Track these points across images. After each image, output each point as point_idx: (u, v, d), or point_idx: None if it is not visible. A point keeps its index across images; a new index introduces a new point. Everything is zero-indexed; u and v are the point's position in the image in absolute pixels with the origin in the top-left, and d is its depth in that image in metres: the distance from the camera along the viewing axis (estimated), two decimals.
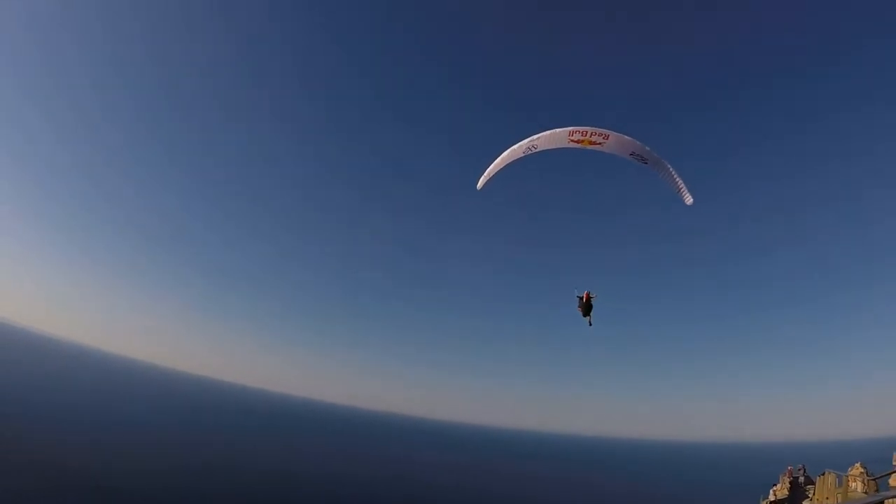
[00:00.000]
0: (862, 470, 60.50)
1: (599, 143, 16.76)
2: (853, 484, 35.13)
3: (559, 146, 17.26)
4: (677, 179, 17.15)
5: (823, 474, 26.73)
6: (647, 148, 16.78)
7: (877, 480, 32.81)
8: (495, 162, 18.50)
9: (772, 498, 39.36)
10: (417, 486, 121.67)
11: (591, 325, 19.63)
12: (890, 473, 33.85)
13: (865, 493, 25.49)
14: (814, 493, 32.24)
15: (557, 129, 17.06)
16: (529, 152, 17.85)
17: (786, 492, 39.28)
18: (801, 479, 41.30)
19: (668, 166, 17.07)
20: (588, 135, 16.71)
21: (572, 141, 16.92)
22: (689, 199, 17.48)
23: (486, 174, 19.00)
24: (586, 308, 19.61)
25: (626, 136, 16.60)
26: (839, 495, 22.94)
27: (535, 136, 17.40)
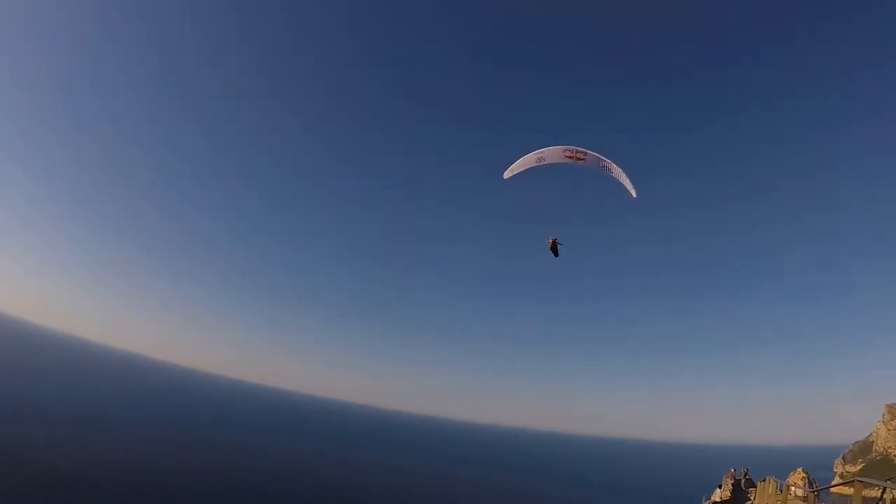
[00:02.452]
0: (804, 475, 61.64)
1: (582, 159, 20.30)
2: (793, 489, 35.15)
3: (558, 161, 20.54)
4: (627, 182, 20.69)
5: (765, 480, 26.35)
6: (608, 159, 20.52)
7: (817, 492, 32.57)
8: (519, 161, 21.19)
9: (714, 499, 39.31)
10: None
11: (556, 256, 23.78)
12: (841, 483, 33.69)
13: (804, 500, 25.52)
14: (754, 497, 31.96)
15: (555, 146, 20.49)
16: (539, 163, 20.87)
17: (728, 494, 39.35)
18: (743, 481, 41.53)
19: (622, 171, 20.48)
20: (574, 152, 20.32)
21: (566, 157, 20.42)
22: (634, 194, 20.82)
23: (511, 169, 21.70)
24: (554, 251, 23.68)
25: (595, 153, 20.44)
26: (778, 501, 22.41)
27: (543, 149, 20.61)
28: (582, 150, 20.17)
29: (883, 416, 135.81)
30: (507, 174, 21.78)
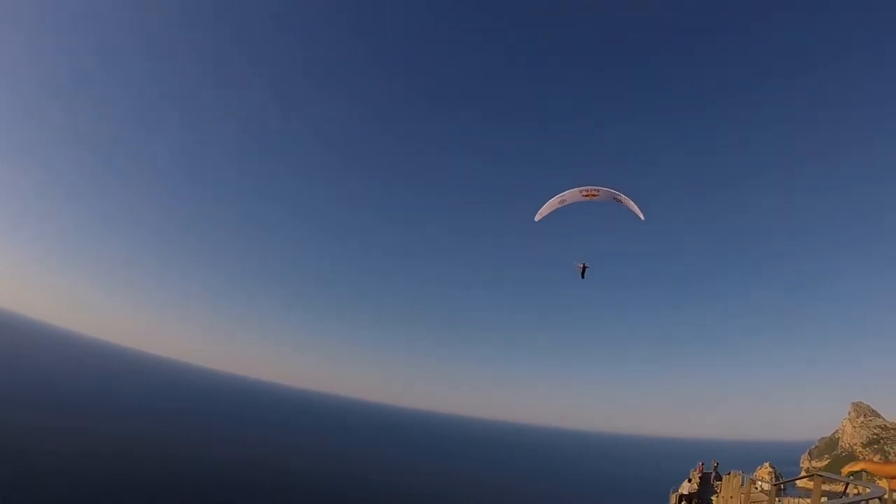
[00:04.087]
0: (770, 470, 62.48)
1: (596, 195, 23.51)
2: (758, 483, 35.50)
3: (577, 200, 23.78)
4: (635, 207, 23.61)
5: (729, 473, 26.47)
6: (615, 191, 23.63)
7: (783, 485, 32.95)
8: (545, 205, 24.51)
9: (682, 491, 39.52)
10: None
11: (583, 278, 26.91)
12: (799, 477, 34.15)
13: (765, 492, 25.65)
14: (720, 490, 32.23)
15: (574, 188, 23.71)
16: (562, 204, 24.22)
17: (695, 487, 39.59)
18: (713, 474, 41.82)
19: (629, 200, 23.47)
20: (590, 191, 23.49)
21: (583, 196, 23.60)
22: (642, 217, 23.66)
23: (540, 212, 24.99)
24: (582, 274, 26.65)
25: (606, 188, 23.71)
26: (742, 496, 22.40)
27: (564, 192, 23.85)
28: (596, 188, 23.48)
29: (849, 413, 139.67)
30: (537, 217, 25.14)
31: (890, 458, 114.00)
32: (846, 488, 18.19)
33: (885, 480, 9.77)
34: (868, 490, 8.67)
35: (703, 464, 43.09)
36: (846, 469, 5.50)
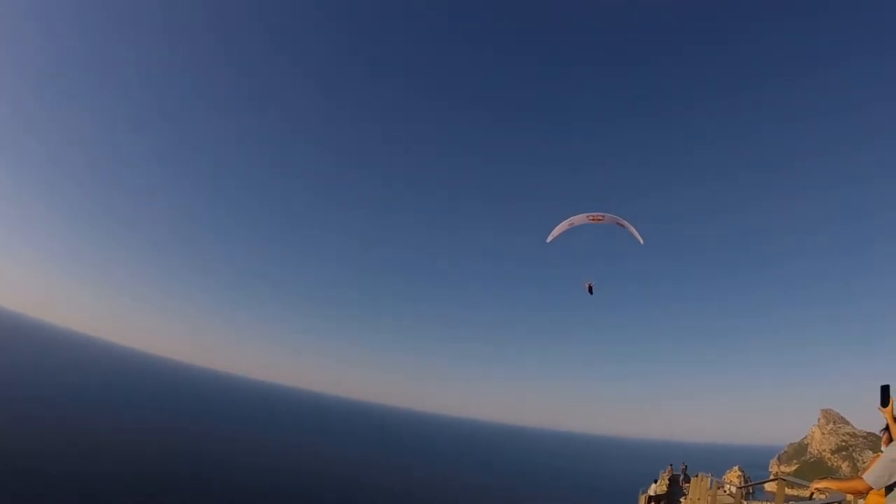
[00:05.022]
0: (739, 473, 63.07)
1: (601, 219, 25.38)
2: (727, 486, 35.52)
3: (584, 223, 25.59)
4: (635, 232, 25.74)
5: (697, 475, 26.25)
6: (616, 215, 25.89)
7: (751, 487, 32.83)
8: (555, 228, 26.36)
9: (650, 493, 39.49)
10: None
11: (591, 294, 27.78)
12: (766, 481, 34.21)
13: (731, 495, 25.70)
14: (689, 492, 32.13)
15: (581, 214, 25.57)
16: (570, 226, 25.92)
17: (664, 488, 39.65)
18: (682, 476, 41.91)
19: (630, 225, 25.65)
20: (595, 216, 25.39)
21: (589, 219, 25.39)
22: (641, 241, 25.84)
23: (551, 235, 26.60)
24: (590, 291, 27.66)
25: (611, 214, 25.74)
26: (709, 497, 22.15)
27: (572, 217, 25.69)
28: (601, 213, 25.65)
29: (819, 420, 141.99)
30: (549, 239, 26.90)
31: (858, 464, 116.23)
32: (812, 496, 18.03)
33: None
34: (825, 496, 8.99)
35: (671, 466, 43.26)
36: (813, 486, 5.98)
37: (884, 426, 5.74)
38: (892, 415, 5.52)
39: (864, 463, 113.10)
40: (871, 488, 4.84)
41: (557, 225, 26.80)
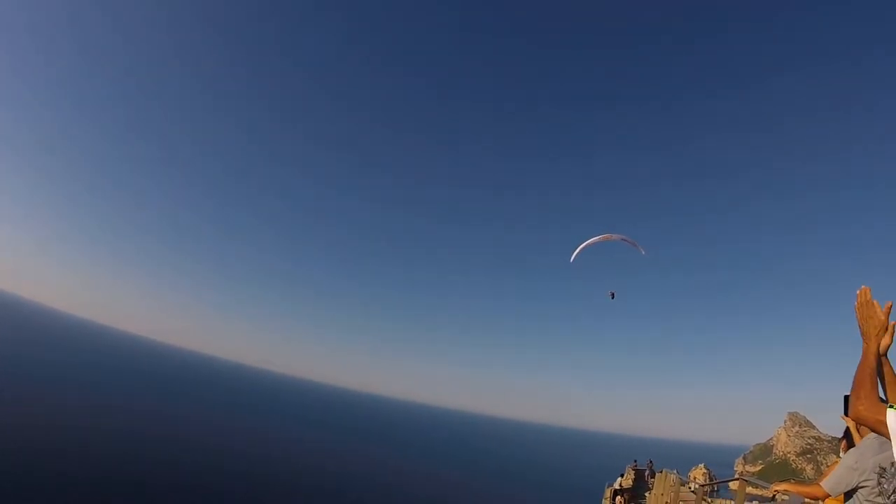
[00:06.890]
0: (705, 471, 63.68)
1: (611, 237, 29.82)
2: (691, 484, 35.66)
3: (597, 242, 29.68)
4: (638, 245, 30.64)
5: (662, 471, 26.20)
6: (624, 235, 30.73)
7: (715, 486, 32.96)
8: (577, 249, 30.40)
9: (616, 486, 39.68)
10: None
11: (613, 298, 31.60)
12: (730, 480, 34.36)
13: (694, 492, 25.77)
14: (653, 487, 32.15)
15: (596, 237, 29.70)
16: (588, 246, 29.94)
17: (630, 482, 39.91)
18: (647, 472, 42.25)
19: (634, 241, 30.57)
20: (607, 235, 29.73)
21: (602, 239, 29.52)
22: (643, 253, 30.80)
23: (574, 255, 30.68)
24: (612, 296, 31.58)
25: (619, 234, 30.48)
26: (672, 493, 22.03)
27: (590, 240, 29.73)
28: (611, 234, 30.23)
29: (785, 422, 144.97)
30: (572, 259, 30.88)
31: (822, 468, 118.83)
32: (774, 497, 17.92)
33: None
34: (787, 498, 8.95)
35: (636, 461, 43.57)
36: (773, 488, 6.13)
37: (843, 433, 5.68)
38: (855, 424, 5.35)
39: (828, 466, 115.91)
40: (829, 495, 4.82)
41: (578, 247, 31.47)
